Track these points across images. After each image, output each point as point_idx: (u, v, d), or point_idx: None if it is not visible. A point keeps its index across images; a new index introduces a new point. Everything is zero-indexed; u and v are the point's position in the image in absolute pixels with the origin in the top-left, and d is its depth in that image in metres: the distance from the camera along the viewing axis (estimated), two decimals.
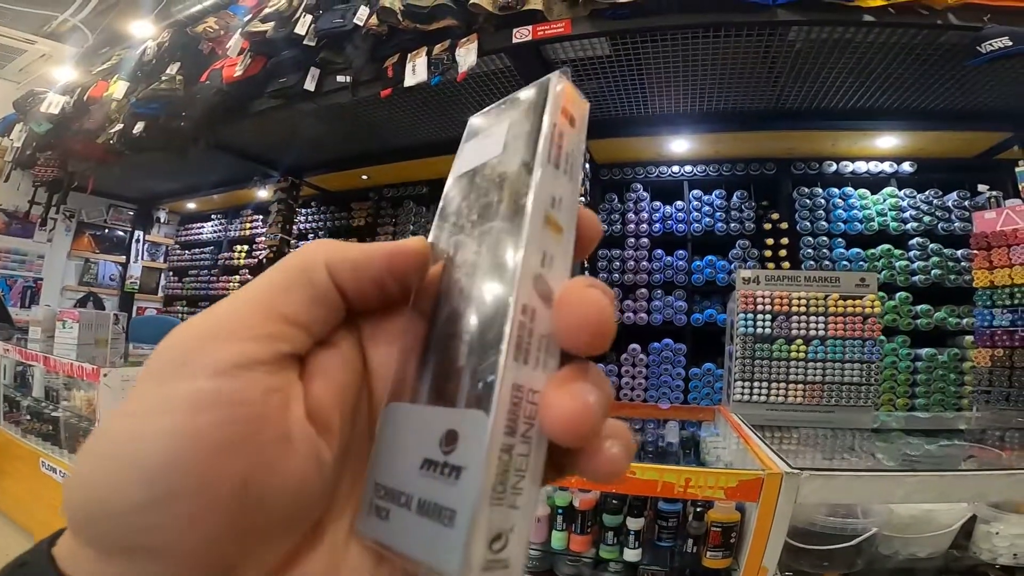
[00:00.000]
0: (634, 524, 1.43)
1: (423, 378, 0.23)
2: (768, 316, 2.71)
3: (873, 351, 2.54)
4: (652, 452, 1.90)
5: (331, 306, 0.24)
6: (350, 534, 0.23)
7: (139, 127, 4.04)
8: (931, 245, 3.83)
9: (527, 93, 0.25)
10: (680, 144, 4.20)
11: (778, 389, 2.62)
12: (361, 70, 3.18)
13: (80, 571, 0.20)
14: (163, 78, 3.94)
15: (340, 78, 3.22)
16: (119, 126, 4.16)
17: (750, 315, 2.72)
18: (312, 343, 0.24)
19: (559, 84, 0.24)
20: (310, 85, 3.38)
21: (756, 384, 2.64)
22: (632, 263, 4.30)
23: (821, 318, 2.67)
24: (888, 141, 3.88)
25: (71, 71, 5.04)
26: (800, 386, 2.62)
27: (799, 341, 2.67)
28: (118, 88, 4.27)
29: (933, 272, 3.77)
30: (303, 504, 0.22)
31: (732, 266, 4.14)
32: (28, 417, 2.77)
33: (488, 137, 0.26)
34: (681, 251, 4.29)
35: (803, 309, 2.69)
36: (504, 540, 0.19)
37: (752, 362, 2.68)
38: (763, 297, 2.75)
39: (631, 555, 1.42)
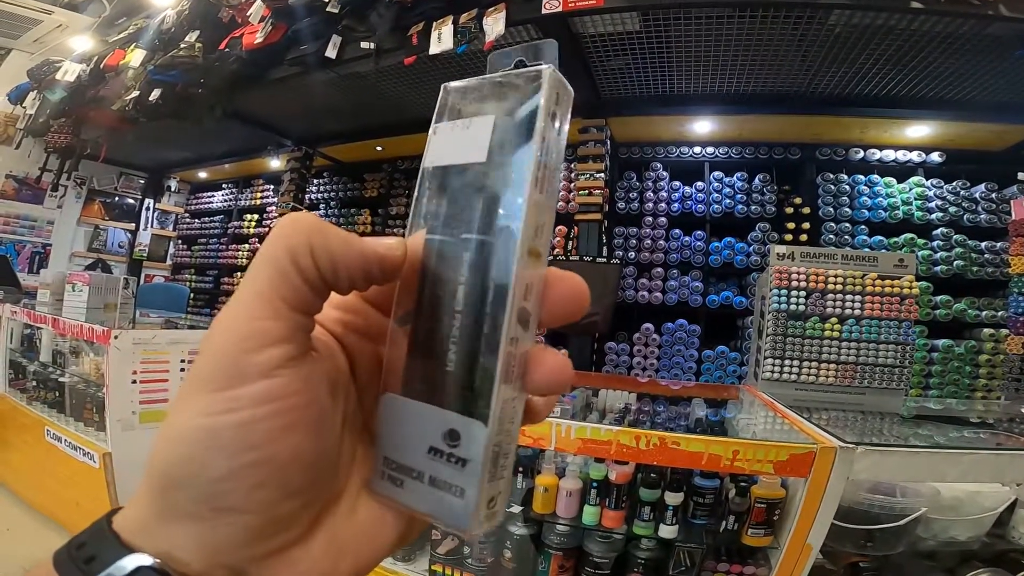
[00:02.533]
0: (673, 499, 1.38)
1: (416, 376, 0.26)
2: (803, 293, 2.66)
3: (909, 333, 2.49)
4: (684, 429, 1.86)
5: (321, 291, 0.25)
6: (359, 488, 0.28)
7: (155, 94, 4.03)
8: (955, 236, 3.77)
9: (516, 83, 0.25)
10: (703, 125, 4.14)
11: (810, 368, 2.58)
12: (384, 38, 3.12)
13: (152, 539, 0.23)
14: (182, 46, 3.91)
15: (364, 44, 3.16)
16: (135, 94, 4.15)
17: (784, 291, 2.67)
18: (314, 322, 0.26)
19: (553, 88, 0.25)
20: (331, 53, 3.33)
21: (787, 362, 2.60)
22: (648, 242, 4.26)
23: (858, 297, 2.62)
24: (918, 130, 3.81)
25: (87, 41, 4.98)
26: (833, 366, 2.57)
27: (834, 320, 2.62)
28: (135, 56, 4.26)
29: (956, 263, 3.71)
30: (334, 464, 0.27)
31: (751, 248, 4.09)
32: (34, 383, 2.73)
33: (469, 130, 0.26)
34: (699, 231, 4.24)
35: (839, 287, 2.64)
36: (495, 501, 0.25)
37: (784, 339, 2.63)
38: (798, 273, 2.69)
39: (667, 532, 1.38)
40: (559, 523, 1.52)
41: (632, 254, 4.26)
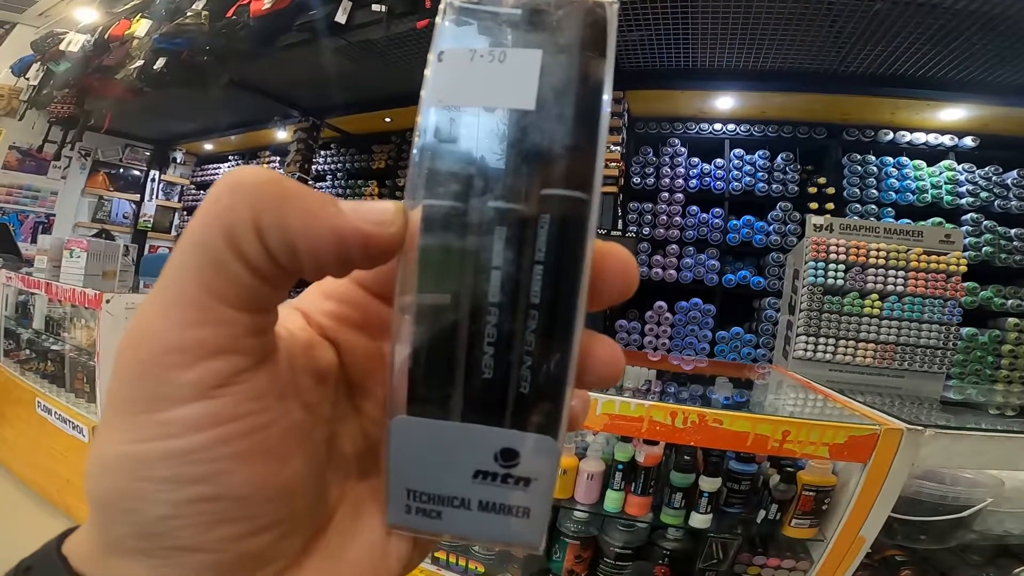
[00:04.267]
0: (709, 485, 1.24)
1: (439, 390, 0.20)
2: (841, 266, 2.51)
3: (954, 313, 2.36)
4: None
5: (278, 280, 0.19)
6: (358, 506, 0.23)
7: (160, 63, 3.96)
8: (985, 222, 3.63)
9: (567, 19, 0.19)
10: (725, 101, 3.99)
11: (846, 347, 2.44)
12: (397, 1, 2.99)
13: (102, 571, 0.19)
14: (188, 14, 3.83)
15: (375, 7, 3.03)
16: (139, 63, 4.09)
17: (821, 264, 2.53)
18: (274, 318, 0.21)
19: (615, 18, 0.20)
20: (341, 18, 3.20)
21: (822, 340, 2.47)
22: (664, 218, 4.12)
23: (901, 272, 2.47)
24: (953, 113, 3.65)
25: (92, 12, 4.93)
26: (871, 345, 2.44)
27: (874, 296, 2.48)
28: (140, 26, 4.19)
29: (984, 250, 3.58)
30: (319, 487, 0.22)
31: (770, 227, 3.96)
32: (28, 352, 2.65)
33: (504, 65, 0.19)
34: (717, 209, 4.10)
35: (882, 261, 2.50)
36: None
37: (820, 316, 2.49)
38: (837, 246, 2.55)
39: (700, 521, 1.24)
40: (577, 509, 1.40)
41: (647, 230, 4.13)
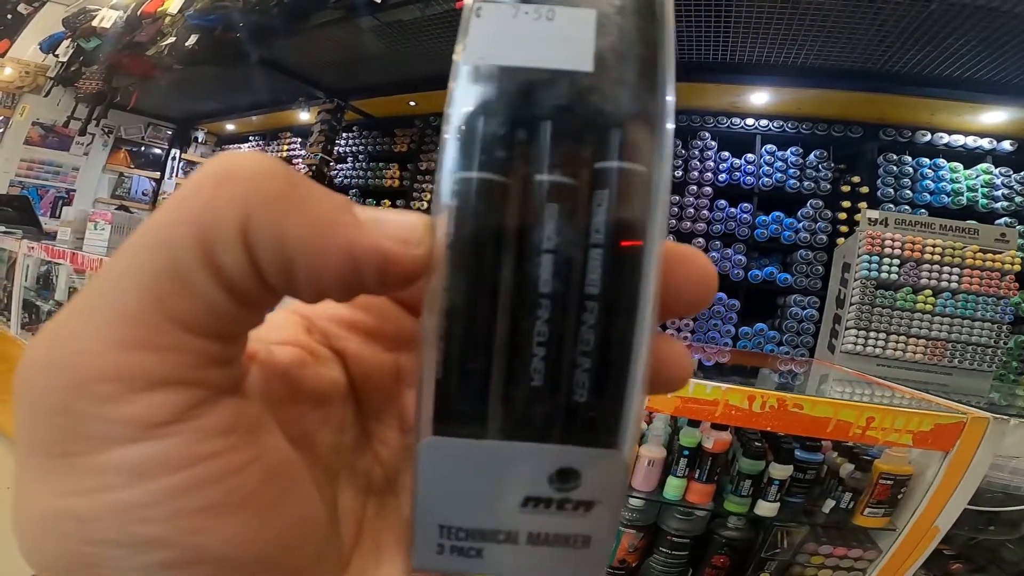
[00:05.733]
0: (780, 472, 1.22)
1: (480, 404, 0.16)
2: (896, 261, 2.50)
3: (1006, 311, 2.35)
4: None
5: (257, 302, 0.15)
6: (377, 555, 0.19)
7: (192, 40, 3.96)
8: (1019, 227, 3.59)
9: None
10: (760, 96, 3.94)
11: (897, 342, 2.43)
12: None
13: None
14: None
15: None
16: (171, 39, 4.10)
17: (875, 258, 2.51)
18: (243, 346, 0.16)
19: None
20: None
21: (872, 335, 2.46)
22: (691, 211, 4.09)
23: (956, 269, 2.46)
24: (994, 116, 3.58)
25: None
26: (923, 341, 2.43)
27: (927, 292, 2.47)
28: (173, 3, 4.21)
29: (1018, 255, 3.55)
30: (322, 531, 0.18)
31: (800, 224, 3.93)
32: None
33: (554, 23, 0.17)
34: (746, 204, 4.06)
35: (937, 257, 2.49)
36: None
37: (872, 310, 2.47)
38: (892, 240, 2.54)
39: (767, 509, 1.22)
40: (634, 496, 1.37)
41: (673, 222, 4.10)
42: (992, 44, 2.77)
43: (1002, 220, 3.61)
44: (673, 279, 0.17)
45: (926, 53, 3.01)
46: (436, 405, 0.16)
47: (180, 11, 4.12)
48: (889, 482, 1.17)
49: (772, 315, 4.08)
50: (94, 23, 4.70)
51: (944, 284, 2.49)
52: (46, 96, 5.58)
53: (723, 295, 3.97)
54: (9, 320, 2.85)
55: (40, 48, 5.46)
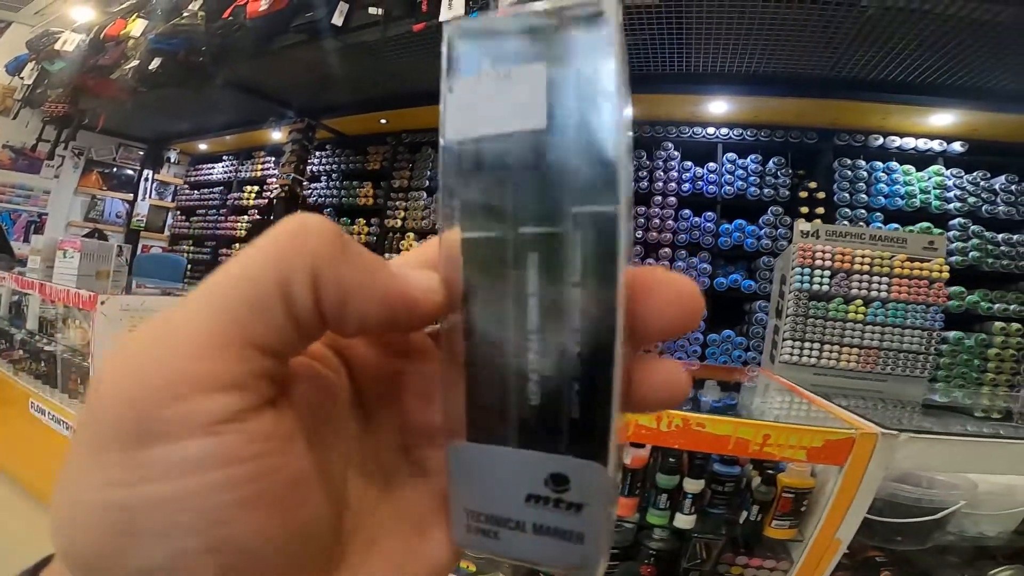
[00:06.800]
0: (692, 486, 1.28)
1: (487, 415, 0.21)
2: (827, 272, 2.57)
3: (936, 318, 2.41)
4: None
5: (312, 334, 0.19)
6: (368, 546, 0.22)
7: (156, 63, 3.96)
8: (972, 227, 3.68)
9: (574, 28, 0.18)
10: (719, 105, 4.02)
11: (831, 352, 2.50)
12: (394, 4, 3.01)
13: None
14: (184, 14, 3.84)
15: (372, 10, 3.05)
16: (135, 63, 4.09)
17: (807, 270, 2.59)
18: (287, 368, 0.20)
19: (619, 16, 0.18)
20: (338, 20, 3.23)
21: (807, 345, 2.52)
22: (657, 221, 4.16)
23: (885, 279, 2.53)
24: (942, 119, 3.68)
25: (89, 11, 4.95)
26: (855, 350, 2.49)
27: (858, 302, 2.54)
28: (136, 26, 4.22)
29: (971, 254, 3.62)
30: (328, 530, 0.20)
31: (762, 231, 4.00)
32: (21, 352, 2.64)
33: (509, 84, 0.19)
34: (710, 213, 4.14)
35: (866, 268, 2.56)
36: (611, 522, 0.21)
37: (805, 321, 2.55)
38: (823, 252, 2.61)
39: (684, 521, 1.28)
40: None
41: (640, 233, 4.16)
42: (932, 47, 2.84)
43: (955, 221, 3.69)
44: (656, 303, 0.19)
45: (871, 57, 3.09)
46: (465, 418, 0.21)
47: (143, 34, 4.11)
48: (791, 495, 1.22)
49: (739, 321, 4.14)
50: (57, 46, 4.68)
51: (874, 294, 2.55)
52: (14, 119, 5.55)
53: None
54: None
55: (6, 70, 5.46)
